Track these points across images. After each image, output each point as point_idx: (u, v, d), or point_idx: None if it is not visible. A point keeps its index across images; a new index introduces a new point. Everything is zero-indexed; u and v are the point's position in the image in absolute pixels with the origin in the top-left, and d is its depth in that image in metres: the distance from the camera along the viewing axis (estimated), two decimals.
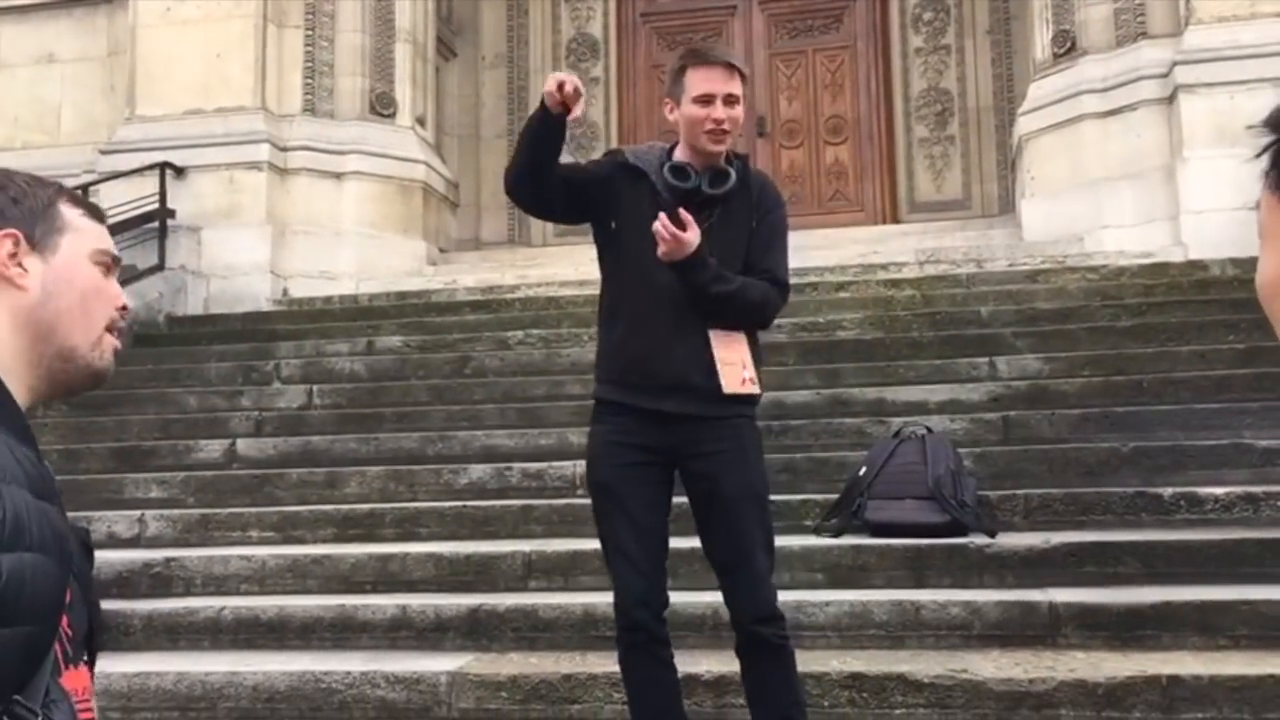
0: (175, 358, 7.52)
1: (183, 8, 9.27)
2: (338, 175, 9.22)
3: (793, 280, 2.97)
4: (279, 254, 8.93)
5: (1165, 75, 7.80)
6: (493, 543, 4.77)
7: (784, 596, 2.88)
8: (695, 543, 2.90)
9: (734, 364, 2.70)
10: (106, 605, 4.46)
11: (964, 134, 10.69)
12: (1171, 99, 7.76)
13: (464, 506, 5.13)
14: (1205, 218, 7.45)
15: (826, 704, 3.40)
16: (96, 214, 1.39)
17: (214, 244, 8.81)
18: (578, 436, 5.72)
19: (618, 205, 2.78)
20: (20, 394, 1.30)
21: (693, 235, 2.60)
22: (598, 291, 8.01)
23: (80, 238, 1.34)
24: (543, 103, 2.67)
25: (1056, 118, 8.31)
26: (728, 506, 2.71)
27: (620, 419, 2.76)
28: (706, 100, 2.74)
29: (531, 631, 4.08)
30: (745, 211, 2.78)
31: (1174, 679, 3.29)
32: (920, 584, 4.13)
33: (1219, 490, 4.42)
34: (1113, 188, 7.96)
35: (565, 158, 2.77)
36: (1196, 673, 3.31)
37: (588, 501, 5.01)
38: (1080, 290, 7.04)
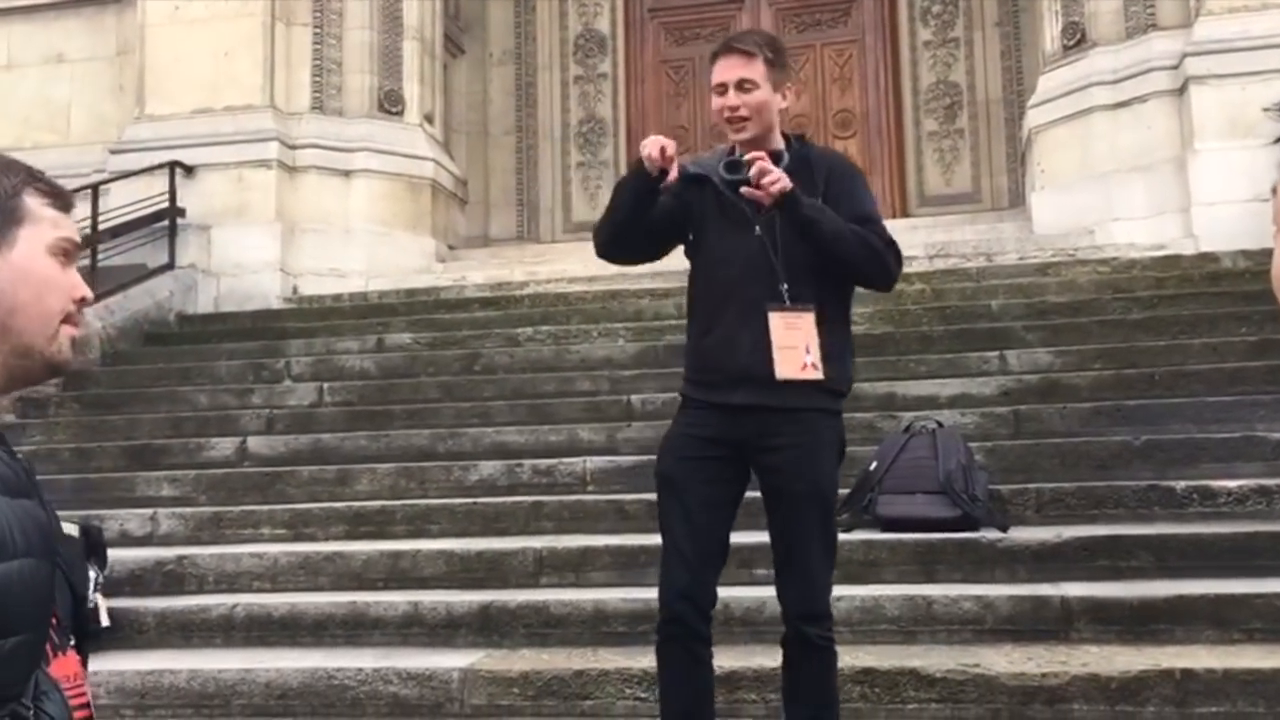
0: (186, 356, 7.54)
1: (191, 7, 9.27)
2: (346, 173, 9.23)
3: None
4: (288, 252, 8.94)
5: (1176, 67, 7.76)
6: (504, 539, 4.78)
7: None
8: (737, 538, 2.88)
9: (794, 348, 2.65)
10: (119, 603, 4.49)
11: (973, 127, 10.65)
12: (1182, 90, 7.72)
13: (475, 503, 5.13)
14: (1217, 209, 7.41)
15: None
16: (62, 200, 1.36)
17: (224, 242, 8.82)
18: (588, 433, 5.75)
19: (691, 217, 2.81)
20: None
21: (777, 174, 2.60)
22: (607, 288, 7.98)
23: (38, 230, 1.32)
24: (638, 166, 2.72)
25: (1066, 110, 8.28)
26: (790, 504, 2.70)
27: (695, 411, 2.79)
28: (719, 90, 2.75)
29: (543, 628, 4.08)
30: (808, 190, 2.70)
31: (1188, 673, 3.28)
32: (931, 579, 4.12)
33: (1232, 483, 4.40)
34: (1123, 180, 7.92)
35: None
36: (1210, 666, 3.30)
37: (598, 497, 5.11)
38: (1091, 283, 7.01)
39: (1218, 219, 7.38)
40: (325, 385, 6.72)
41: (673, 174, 2.67)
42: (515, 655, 3.93)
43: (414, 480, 5.47)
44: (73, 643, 1.31)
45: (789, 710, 2.78)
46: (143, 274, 8.36)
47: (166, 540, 5.15)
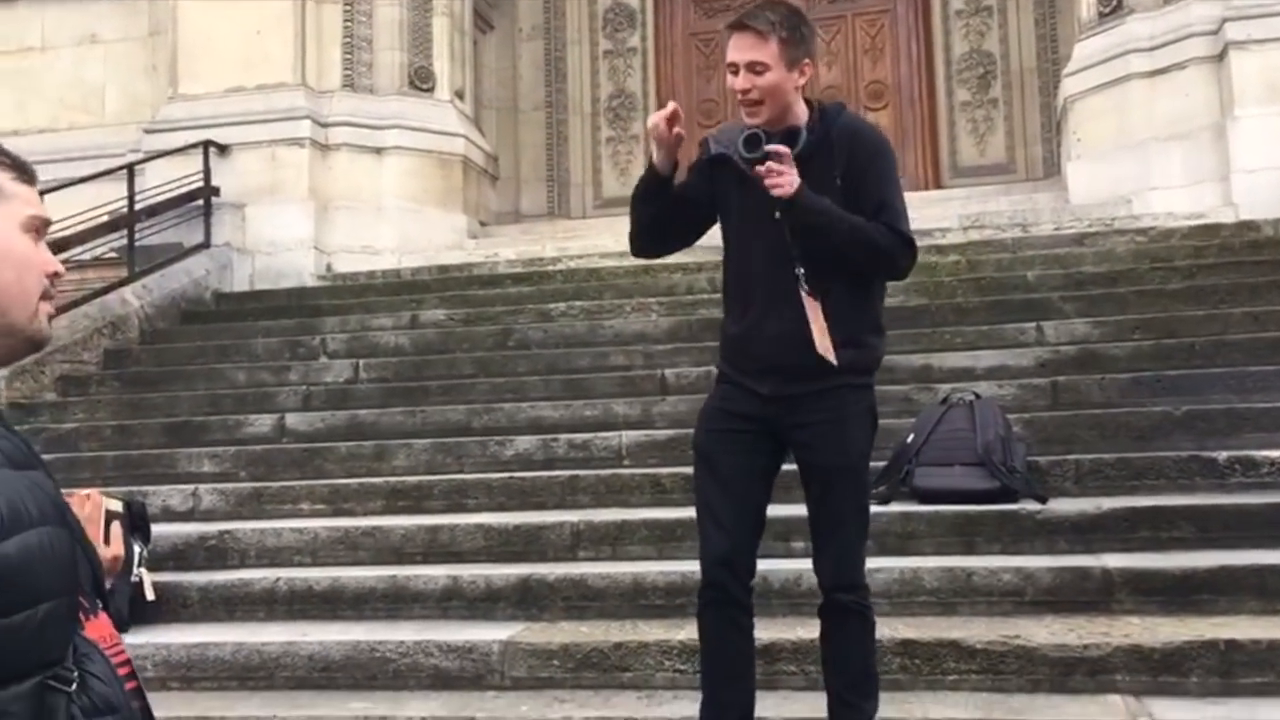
0: (223, 334, 7.61)
1: None
2: (378, 150, 9.25)
3: None
4: (321, 229, 8.98)
5: (1215, 32, 7.63)
6: (540, 513, 4.80)
7: None
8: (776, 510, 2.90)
9: (822, 330, 2.64)
10: (163, 577, 4.54)
11: (1007, 97, 10.53)
12: (1221, 56, 7.59)
13: (511, 478, 5.16)
14: (1257, 177, 7.30)
15: (878, 671, 3.39)
16: (27, 174, 1.36)
17: (258, 220, 8.87)
18: (622, 407, 5.76)
19: (717, 198, 2.79)
20: None
21: (790, 173, 2.58)
22: (639, 262, 7.94)
23: (11, 207, 1.32)
24: (650, 165, 2.72)
25: (1103, 78, 8.16)
26: (822, 477, 2.72)
27: (727, 386, 2.81)
28: (732, 69, 2.68)
29: (581, 601, 4.10)
30: (826, 168, 2.65)
31: (1232, 643, 3.25)
32: (970, 550, 4.11)
33: (1275, 453, 4.35)
34: (1161, 148, 7.81)
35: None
36: (1255, 637, 3.28)
37: (634, 471, 5.12)
38: (1129, 253, 6.93)
39: (1258, 187, 7.28)
40: (361, 362, 6.76)
41: (679, 129, 2.63)
42: (554, 628, 3.96)
43: (450, 455, 5.51)
44: (101, 605, 1.33)
45: (829, 679, 2.79)
46: (179, 253, 8.43)
47: (208, 515, 5.21)
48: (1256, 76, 7.40)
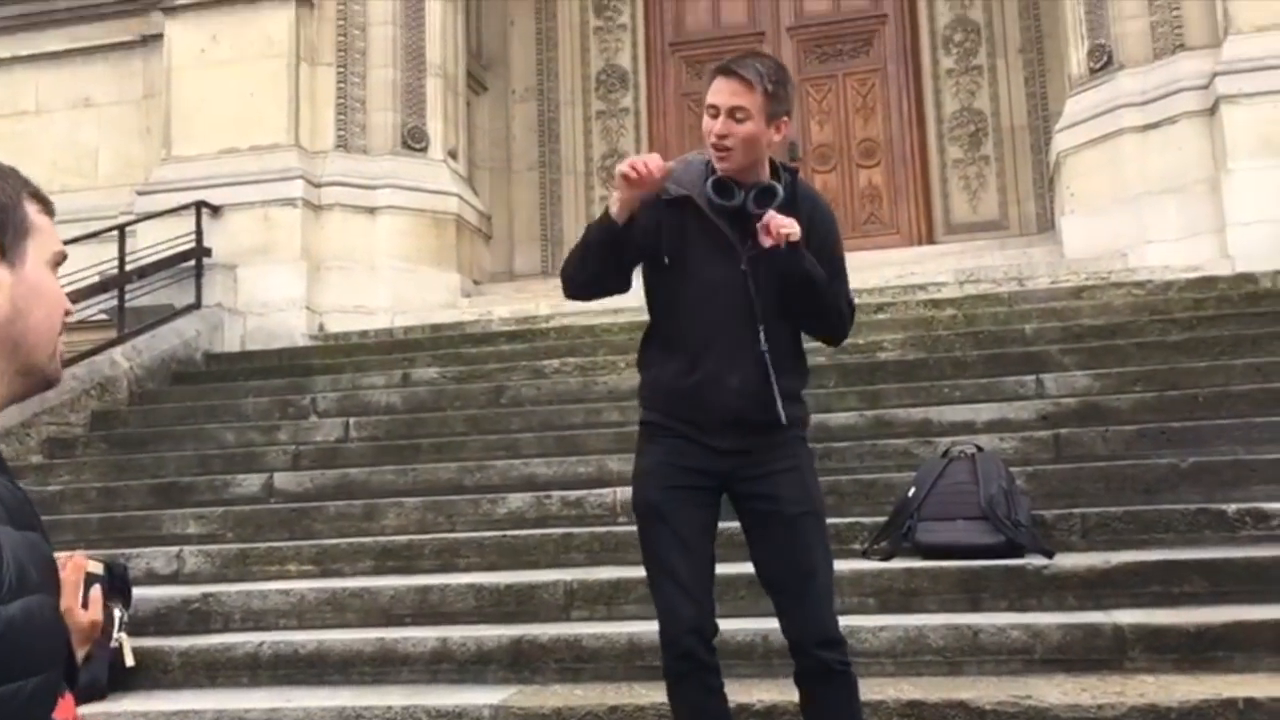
0: (213, 394, 7.51)
1: (217, 49, 9.34)
2: (371, 210, 9.23)
3: None
4: (314, 289, 8.93)
5: (1205, 87, 7.66)
6: (533, 572, 4.68)
7: None
8: (742, 568, 2.80)
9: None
10: (144, 642, 4.40)
11: (999, 154, 10.57)
12: (1213, 110, 7.61)
13: (503, 536, 5.05)
14: (1253, 229, 7.28)
15: None
16: (49, 207, 1.31)
17: (250, 281, 8.82)
18: (617, 464, 5.64)
19: (666, 239, 2.66)
20: None
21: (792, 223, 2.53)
22: (633, 319, 7.85)
23: (41, 240, 1.26)
24: (605, 213, 2.61)
25: (1095, 133, 8.18)
26: (790, 524, 2.61)
27: (677, 441, 2.65)
28: (712, 111, 2.60)
29: (575, 662, 3.98)
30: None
31: (1250, 702, 3.14)
32: (976, 607, 3.99)
33: None
34: (1155, 202, 7.80)
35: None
36: (1273, 695, 3.17)
37: (630, 529, 4.95)
38: (1127, 306, 6.88)
39: (1254, 239, 7.26)
40: (352, 420, 6.66)
41: (656, 161, 2.56)
42: (547, 691, 3.83)
43: (442, 514, 5.39)
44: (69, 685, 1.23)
45: None
46: (170, 314, 8.36)
47: (193, 578, 5.08)
48: (1248, 130, 7.42)
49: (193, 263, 8.61)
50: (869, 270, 8.17)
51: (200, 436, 6.77)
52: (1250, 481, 4.58)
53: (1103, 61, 8.29)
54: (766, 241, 2.52)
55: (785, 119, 2.64)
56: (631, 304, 8.00)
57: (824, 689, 2.60)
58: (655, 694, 3.67)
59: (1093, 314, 6.78)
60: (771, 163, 2.70)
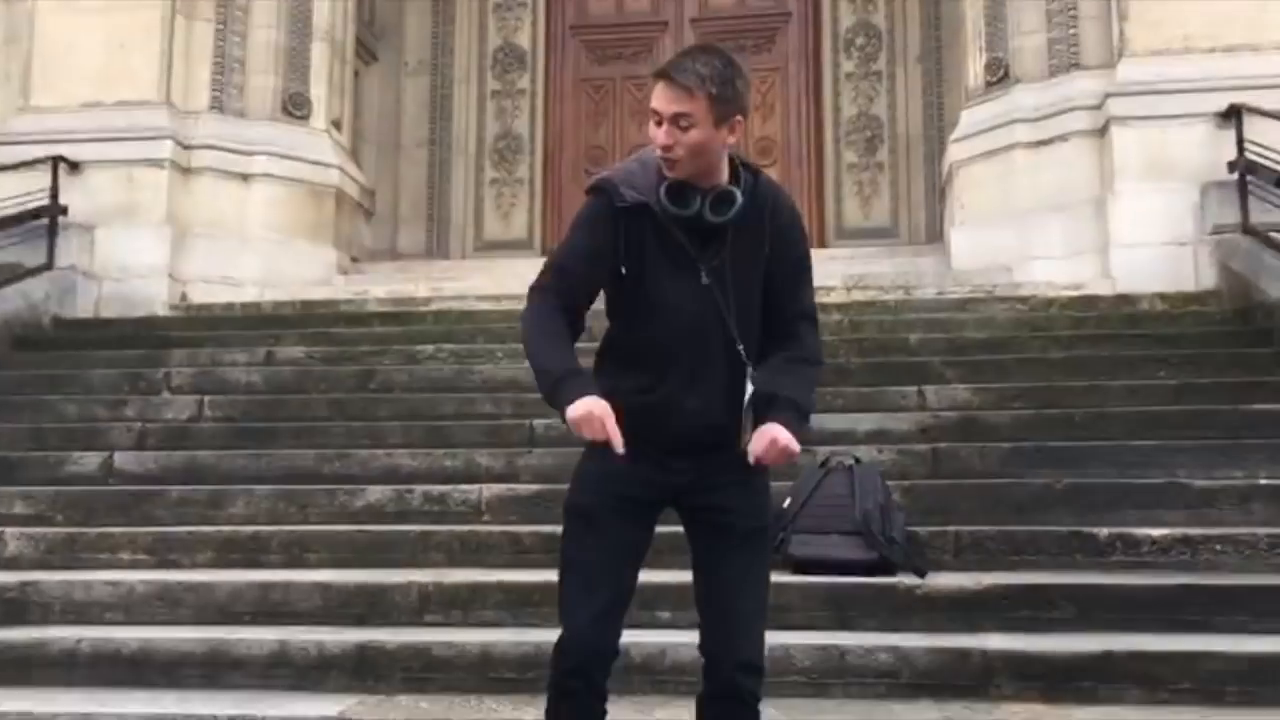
0: (58, 363, 7.00)
1: None
2: (245, 177, 8.76)
3: None
4: (179, 257, 8.43)
5: (1098, 107, 7.72)
6: (387, 571, 4.41)
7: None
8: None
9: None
10: None
11: (893, 161, 10.58)
12: (1103, 131, 7.68)
13: (359, 531, 4.77)
14: (1134, 251, 7.36)
15: None
16: None
17: (108, 244, 8.29)
18: (485, 459, 5.41)
19: (628, 248, 2.40)
20: None
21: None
22: (515, 306, 7.59)
23: None
24: (557, 398, 2.33)
25: (988, 146, 8.20)
26: (739, 542, 2.40)
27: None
28: (655, 118, 2.37)
29: (424, 672, 3.74)
30: (759, 244, 2.40)
31: None
32: (845, 626, 3.86)
33: (1155, 531, 4.24)
34: (1043, 218, 7.84)
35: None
36: None
37: (493, 528, 4.76)
38: (1009, 320, 6.89)
39: (1135, 261, 7.33)
40: (206, 399, 6.26)
41: (618, 447, 2.28)
42: (391, 703, 3.58)
43: (294, 504, 5.07)
44: None
45: None
46: (17, 274, 7.80)
47: (13, 564, 4.68)
48: (1136, 153, 7.49)
49: (45, 221, 8.05)
50: None
51: (38, 408, 6.30)
52: (1122, 505, 4.56)
53: (999, 75, 8.31)
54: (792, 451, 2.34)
55: (739, 119, 2.40)
56: (514, 290, 7.77)
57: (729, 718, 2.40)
58: (507, 709, 3.47)
59: (976, 327, 6.76)
60: (733, 161, 2.45)
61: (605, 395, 2.40)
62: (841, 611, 3.91)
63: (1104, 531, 4.28)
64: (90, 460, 5.58)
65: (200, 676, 3.80)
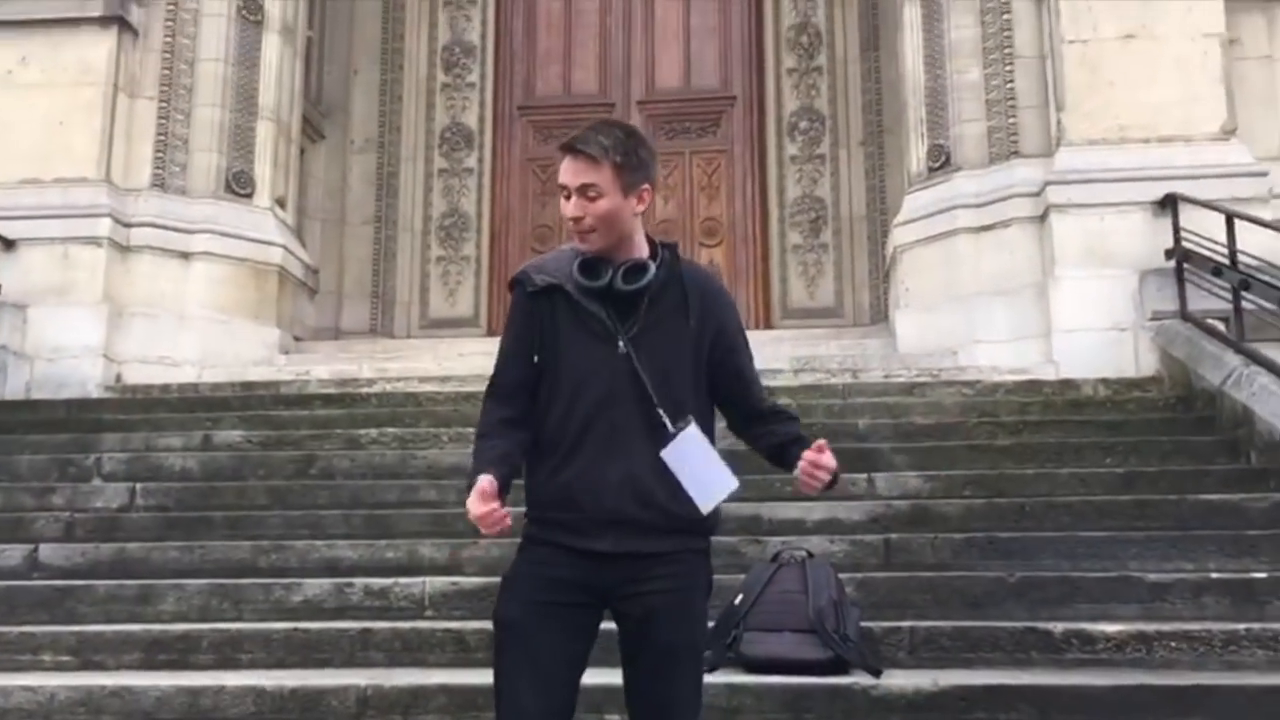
0: None
1: (26, 71, 8.66)
2: (185, 255, 8.61)
3: None
4: (115, 336, 8.24)
5: (1038, 194, 7.86)
6: (325, 673, 4.24)
7: None
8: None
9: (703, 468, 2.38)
10: None
11: (837, 242, 10.69)
12: (1043, 217, 7.81)
13: (295, 629, 4.58)
14: (1075, 337, 7.45)
15: None
16: None
17: (41, 323, 8.08)
18: (430, 549, 5.26)
19: (539, 339, 2.40)
20: None
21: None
22: (460, 389, 7.43)
23: None
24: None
25: (931, 230, 8.29)
26: (660, 655, 2.31)
27: (546, 549, 2.34)
28: (564, 193, 2.39)
29: None
30: (680, 313, 2.40)
31: None
32: None
33: (1110, 628, 4.20)
34: (986, 302, 7.93)
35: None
36: None
37: (435, 625, 4.60)
38: (956, 405, 6.89)
39: (1076, 346, 7.42)
40: (139, 486, 6.05)
41: (503, 520, 2.26)
42: None
43: (228, 600, 4.88)
44: None
45: None
46: None
47: None
48: (1074, 239, 7.62)
49: None
50: None
51: None
52: (1075, 599, 4.52)
53: (941, 161, 8.44)
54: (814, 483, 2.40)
55: (646, 188, 2.43)
56: (459, 372, 7.67)
57: None
58: None
59: (924, 412, 6.76)
60: (651, 241, 2.48)
61: (528, 493, 2.41)
62: (796, 713, 3.80)
63: (1059, 627, 4.23)
64: (14, 553, 5.34)
65: None
